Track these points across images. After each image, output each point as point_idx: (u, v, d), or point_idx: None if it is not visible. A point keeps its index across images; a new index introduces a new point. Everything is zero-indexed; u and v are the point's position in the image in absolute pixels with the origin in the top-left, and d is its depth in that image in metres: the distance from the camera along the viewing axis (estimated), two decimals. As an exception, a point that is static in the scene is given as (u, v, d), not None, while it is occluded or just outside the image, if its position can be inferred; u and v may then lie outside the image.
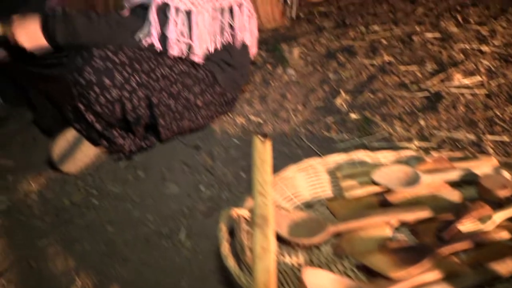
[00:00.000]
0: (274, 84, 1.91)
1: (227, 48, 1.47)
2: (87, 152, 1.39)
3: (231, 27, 1.44)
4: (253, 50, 1.60)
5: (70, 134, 1.37)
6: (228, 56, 1.50)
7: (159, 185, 1.32)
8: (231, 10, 1.42)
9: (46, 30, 1.22)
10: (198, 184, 1.30)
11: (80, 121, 1.31)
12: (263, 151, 0.61)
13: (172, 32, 1.24)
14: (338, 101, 1.73)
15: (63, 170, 1.38)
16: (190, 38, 1.28)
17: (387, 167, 1.12)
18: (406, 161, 1.17)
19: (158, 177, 1.36)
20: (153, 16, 1.22)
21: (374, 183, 1.09)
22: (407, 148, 1.39)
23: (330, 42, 2.34)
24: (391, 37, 2.34)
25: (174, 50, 1.26)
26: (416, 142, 1.42)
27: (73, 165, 1.38)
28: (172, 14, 1.23)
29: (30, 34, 1.22)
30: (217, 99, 1.51)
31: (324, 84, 1.88)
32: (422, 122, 1.52)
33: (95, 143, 1.38)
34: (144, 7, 1.25)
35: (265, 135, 0.60)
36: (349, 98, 1.74)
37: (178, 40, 1.26)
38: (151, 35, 1.23)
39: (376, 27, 2.49)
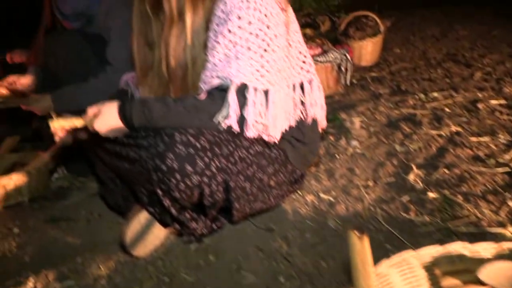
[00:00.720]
0: (340, 157, 1.85)
1: (298, 124, 1.44)
2: (158, 235, 1.34)
3: (302, 103, 1.41)
4: (322, 124, 1.56)
5: (143, 217, 1.33)
6: (299, 133, 1.46)
7: (234, 273, 1.25)
8: (301, 86, 1.40)
9: (124, 116, 1.22)
10: (276, 274, 1.22)
11: (154, 204, 1.27)
12: (362, 249, 0.54)
13: (251, 114, 1.21)
14: (411, 177, 1.64)
15: (134, 254, 1.34)
16: (267, 118, 1.26)
17: (493, 264, 1.01)
18: (510, 255, 1.06)
19: (232, 263, 1.29)
20: (232, 98, 1.19)
21: (480, 282, 0.98)
22: (500, 234, 1.28)
23: (389, 110, 2.28)
24: (453, 104, 2.27)
25: (252, 132, 1.23)
26: (511, 228, 1.30)
27: (144, 249, 1.34)
28: (250, 94, 1.20)
29: (107, 121, 1.22)
30: (288, 177, 1.46)
31: (391, 157, 1.80)
32: (511, 204, 1.41)
33: (167, 226, 1.33)
34: (221, 89, 1.24)
35: (361, 231, 0.53)
36: (422, 174, 1.65)
37: (257, 121, 1.23)
38: (230, 118, 1.21)
39: (435, 94, 2.43)
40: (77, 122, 1.25)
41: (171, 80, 1.35)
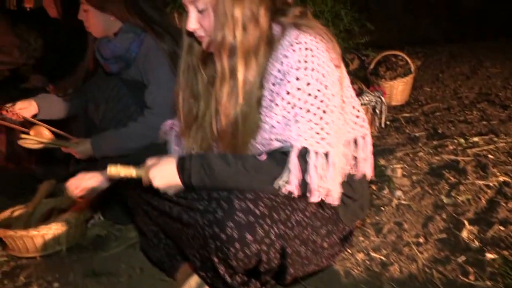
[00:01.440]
0: (385, 209, 1.79)
1: (349, 180, 1.39)
2: (208, 299, 1.29)
3: (354, 158, 1.37)
4: (370, 176, 1.51)
5: (193, 281, 1.28)
6: (349, 189, 1.41)
7: None
8: (355, 141, 1.36)
9: (182, 171, 1.19)
10: None
11: (207, 269, 1.23)
12: None
13: (314, 179, 1.16)
14: (464, 234, 1.57)
15: (183, 318, 1.28)
16: (328, 181, 1.21)
17: None
18: None
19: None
20: (293, 163, 1.15)
21: None
22: None
23: (429, 156, 2.22)
24: (496, 150, 2.20)
25: (316, 197, 1.19)
26: None
27: (193, 313, 1.29)
28: (312, 159, 1.17)
29: (164, 175, 1.19)
30: (339, 236, 1.40)
31: (440, 210, 1.74)
32: None
33: (217, 289, 1.28)
34: (282, 152, 1.20)
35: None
36: (475, 231, 1.58)
37: (319, 186, 1.19)
38: (291, 183, 1.17)
39: (475, 139, 2.37)
40: (134, 172, 1.22)
41: (220, 137, 1.32)
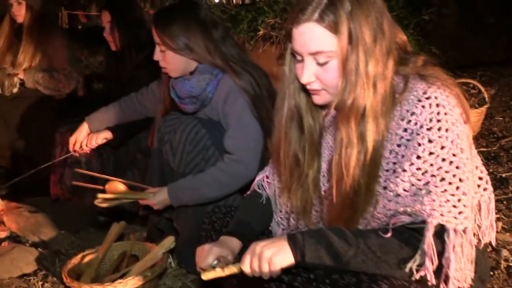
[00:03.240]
0: (495, 274, 1.60)
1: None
2: None
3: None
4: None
5: None
6: (472, 261, 1.24)
7: None
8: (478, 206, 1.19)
9: (295, 248, 1.04)
10: None
11: None
12: None
13: (452, 263, 1.00)
14: None
15: None
16: (467, 263, 1.04)
17: None
18: None
19: None
20: (428, 243, 0.99)
21: None
22: None
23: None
24: None
25: (454, 285, 1.02)
26: None
27: None
28: (450, 238, 1.00)
29: (281, 259, 1.04)
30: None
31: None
32: None
33: None
34: (411, 228, 1.04)
35: None
36: None
37: (458, 270, 1.02)
38: (426, 267, 1.00)
39: None
40: (236, 269, 1.07)
41: (331, 203, 1.16)
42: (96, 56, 6.21)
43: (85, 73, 3.23)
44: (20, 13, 2.69)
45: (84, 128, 2.02)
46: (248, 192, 1.44)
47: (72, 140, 2.02)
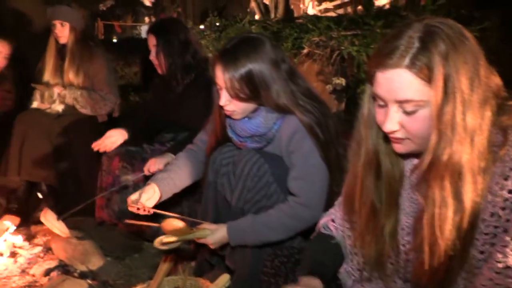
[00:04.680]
0: None
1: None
2: None
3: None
4: None
5: None
6: None
7: None
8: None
9: None
10: None
11: None
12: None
13: None
14: None
15: None
16: None
17: None
18: None
19: None
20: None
21: None
22: None
23: None
24: None
25: None
26: None
27: None
28: None
29: None
30: None
31: None
32: None
33: None
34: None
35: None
36: None
37: None
38: None
39: None
40: None
41: (423, 267, 1.04)
42: (131, 66, 6.25)
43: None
44: (63, 34, 2.71)
45: (154, 187, 1.76)
46: (315, 234, 1.36)
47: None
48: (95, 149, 2.24)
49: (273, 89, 1.51)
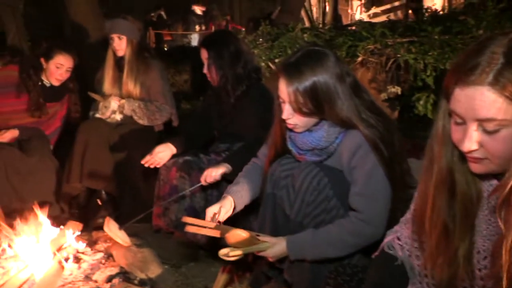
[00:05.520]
0: None
1: None
2: None
3: None
4: None
5: None
6: None
7: None
8: None
9: None
10: None
11: None
12: None
13: None
14: None
15: None
16: None
17: None
18: None
19: None
20: None
21: None
22: None
23: None
24: None
25: None
26: None
27: None
28: None
29: None
30: None
31: None
32: None
33: None
34: None
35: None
36: None
37: None
38: None
39: None
40: None
41: None
42: (182, 74, 6.38)
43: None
44: (121, 47, 2.81)
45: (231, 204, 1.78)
46: (377, 253, 1.32)
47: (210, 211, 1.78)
48: (146, 165, 2.28)
49: (337, 103, 1.48)
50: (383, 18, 7.98)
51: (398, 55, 2.87)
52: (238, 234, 1.50)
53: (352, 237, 1.50)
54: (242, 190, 1.79)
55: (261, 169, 1.84)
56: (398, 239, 1.26)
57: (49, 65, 2.77)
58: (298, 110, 1.50)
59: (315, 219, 1.57)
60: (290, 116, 1.54)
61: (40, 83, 2.81)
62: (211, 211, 1.71)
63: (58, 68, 2.77)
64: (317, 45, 1.77)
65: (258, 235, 1.65)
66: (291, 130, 1.61)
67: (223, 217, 1.70)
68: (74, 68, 2.85)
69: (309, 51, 1.53)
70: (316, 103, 1.48)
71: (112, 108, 2.79)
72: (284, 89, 1.50)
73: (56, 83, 2.83)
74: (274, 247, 1.57)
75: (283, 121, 1.58)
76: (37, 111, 2.80)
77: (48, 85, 2.84)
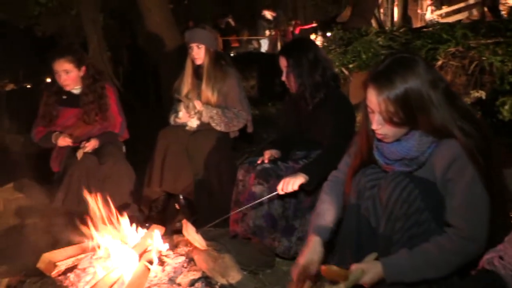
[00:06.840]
0: None
1: None
2: None
3: None
4: None
5: None
6: None
7: None
8: None
9: None
10: None
11: None
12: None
13: None
14: None
15: None
16: None
17: None
18: None
19: None
20: None
21: None
22: None
23: None
24: None
25: None
26: None
27: None
28: None
29: None
30: None
31: None
32: None
33: None
34: None
35: None
36: None
37: None
38: None
39: None
40: None
41: None
42: (249, 80, 6.47)
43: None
44: (200, 56, 2.89)
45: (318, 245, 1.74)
46: (476, 272, 1.25)
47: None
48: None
49: (432, 111, 1.42)
50: (455, 18, 7.61)
51: (483, 58, 2.72)
52: (334, 270, 1.49)
53: (455, 257, 1.41)
54: (324, 222, 1.75)
55: (343, 183, 1.79)
56: (501, 258, 1.19)
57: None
58: (389, 120, 1.46)
59: (406, 233, 1.50)
60: (380, 127, 1.50)
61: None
62: (302, 264, 1.70)
63: (57, 74, 2.87)
64: (404, 51, 1.72)
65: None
66: (379, 140, 1.57)
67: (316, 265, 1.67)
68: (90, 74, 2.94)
69: (398, 58, 1.49)
70: (408, 112, 1.43)
71: (198, 108, 2.85)
72: (374, 99, 1.46)
73: (66, 89, 2.92)
74: (368, 272, 1.49)
75: (371, 130, 1.54)
76: (87, 116, 2.93)
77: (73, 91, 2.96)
